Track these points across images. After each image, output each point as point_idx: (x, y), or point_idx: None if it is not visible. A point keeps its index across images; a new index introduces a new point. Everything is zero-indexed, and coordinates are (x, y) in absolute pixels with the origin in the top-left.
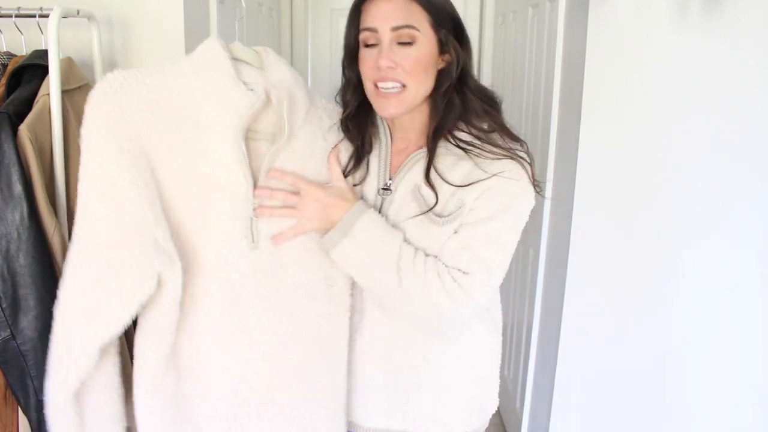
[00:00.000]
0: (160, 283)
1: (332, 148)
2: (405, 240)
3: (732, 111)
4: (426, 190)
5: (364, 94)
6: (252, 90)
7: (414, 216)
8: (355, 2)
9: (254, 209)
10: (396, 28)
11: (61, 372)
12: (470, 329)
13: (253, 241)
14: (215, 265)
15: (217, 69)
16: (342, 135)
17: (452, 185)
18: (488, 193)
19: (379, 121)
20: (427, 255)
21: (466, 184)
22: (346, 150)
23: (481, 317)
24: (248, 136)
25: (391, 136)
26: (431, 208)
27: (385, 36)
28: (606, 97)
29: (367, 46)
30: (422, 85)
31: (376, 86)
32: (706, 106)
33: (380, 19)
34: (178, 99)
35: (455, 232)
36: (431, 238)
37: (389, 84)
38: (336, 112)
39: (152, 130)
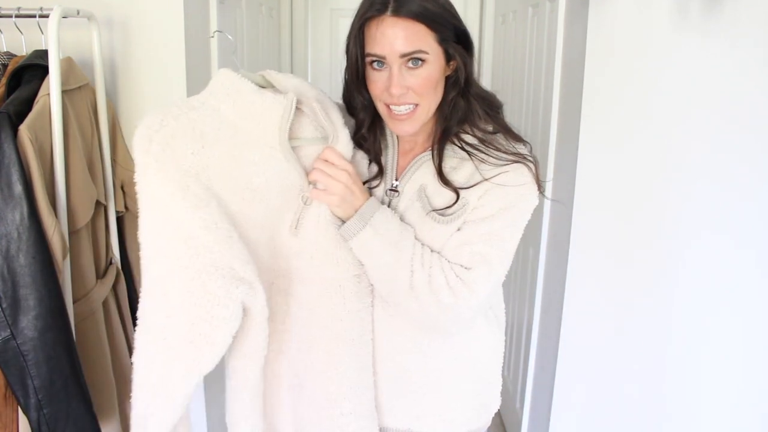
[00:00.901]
0: (245, 310)
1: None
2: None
3: (732, 110)
4: (430, 191)
5: (375, 111)
6: (279, 94)
7: (420, 215)
8: (358, 20)
9: (302, 196)
10: (405, 55)
11: (159, 415)
12: (474, 327)
13: (296, 228)
14: (267, 254)
15: (240, 90)
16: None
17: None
18: (491, 192)
19: (388, 137)
20: (432, 251)
21: (470, 185)
22: (363, 158)
23: (484, 315)
24: (291, 144)
25: (397, 138)
26: (452, 204)
27: (395, 63)
28: (606, 97)
29: (375, 69)
30: (434, 100)
31: (388, 107)
32: (705, 106)
33: (387, 45)
34: (219, 129)
35: (458, 230)
36: (434, 236)
37: (402, 108)
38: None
39: (206, 163)
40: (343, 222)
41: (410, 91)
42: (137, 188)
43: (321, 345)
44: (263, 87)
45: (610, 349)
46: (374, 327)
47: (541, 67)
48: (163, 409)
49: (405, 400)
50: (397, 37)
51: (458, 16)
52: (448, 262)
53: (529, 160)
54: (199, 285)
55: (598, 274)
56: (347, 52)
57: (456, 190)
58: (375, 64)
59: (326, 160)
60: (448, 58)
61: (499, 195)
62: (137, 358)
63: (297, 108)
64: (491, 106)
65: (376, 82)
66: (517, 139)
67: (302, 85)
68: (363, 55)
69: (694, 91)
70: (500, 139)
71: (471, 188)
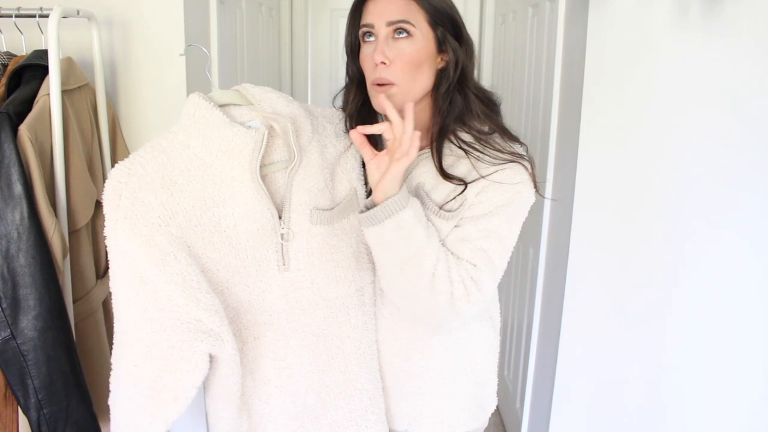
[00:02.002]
0: (214, 359)
1: (343, 150)
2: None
3: (732, 110)
4: (428, 188)
5: (366, 91)
6: (251, 127)
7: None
8: (356, 2)
9: (281, 234)
10: (391, 23)
11: None
12: (471, 327)
13: (284, 264)
14: (251, 297)
15: (210, 124)
16: (345, 138)
17: (459, 181)
18: (489, 189)
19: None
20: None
21: (469, 181)
22: (354, 158)
23: (480, 315)
24: (263, 172)
25: None
26: (453, 199)
27: (381, 31)
28: (606, 97)
29: (365, 42)
30: (414, 82)
31: (371, 82)
32: (705, 105)
33: (377, 15)
34: (188, 170)
35: (456, 227)
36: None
37: (382, 82)
38: (335, 116)
39: (175, 210)
40: (366, 210)
41: (391, 65)
42: (107, 241)
43: (335, 366)
44: (238, 104)
45: (610, 349)
46: (387, 340)
47: (541, 67)
48: None
49: (404, 402)
50: (388, 6)
51: (454, 7)
52: (457, 258)
53: (526, 160)
54: (164, 338)
55: (598, 274)
56: (346, 34)
57: (462, 180)
58: (365, 37)
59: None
60: (440, 48)
61: (497, 192)
62: (111, 401)
63: (269, 133)
64: (489, 105)
65: (366, 56)
66: (514, 139)
67: (278, 101)
68: (358, 32)
69: (694, 90)
70: (497, 138)
71: (469, 184)
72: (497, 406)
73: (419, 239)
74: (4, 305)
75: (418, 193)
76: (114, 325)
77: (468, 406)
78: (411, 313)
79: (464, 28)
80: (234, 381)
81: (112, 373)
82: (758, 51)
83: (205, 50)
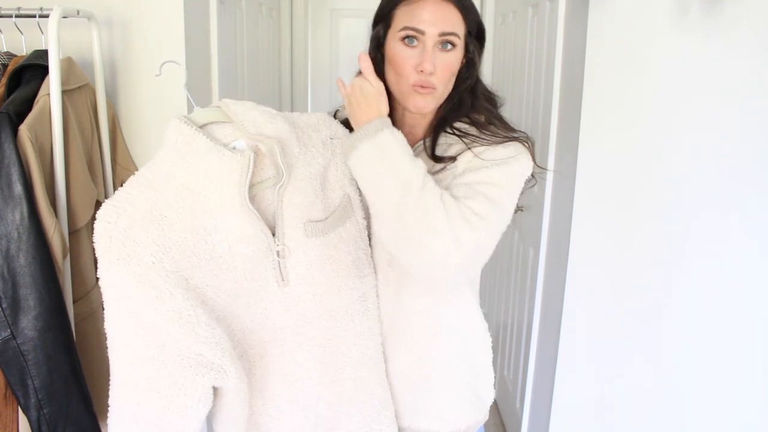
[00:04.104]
0: (218, 390)
1: (332, 157)
2: None
3: (732, 109)
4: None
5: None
6: (236, 149)
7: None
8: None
9: (276, 251)
10: (443, 34)
11: None
12: (466, 318)
13: (282, 280)
14: (254, 317)
15: (195, 151)
16: (332, 146)
17: (451, 158)
18: (484, 154)
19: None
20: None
21: (462, 152)
22: (344, 164)
23: (476, 305)
24: (252, 192)
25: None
26: (442, 169)
27: (430, 40)
28: (606, 97)
29: (407, 45)
30: (448, 88)
31: (412, 85)
32: (705, 105)
33: (430, 23)
34: (177, 202)
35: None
36: None
37: (428, 86)
38: (320, 122)
39: (168, 245)
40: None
41: (435, 73)
42: (101, 283)
43: (344, 375)
44: (223, 122)
45: (610, 349)
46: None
47: (541, 67)
48: None
49: (404, 398)
50: (441, 16)
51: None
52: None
53: (525, 139)
54: (165, 375)
55: (598, 274)
56: (374, 27)
57: (452, 157)
58: (407, 40)
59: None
60: (466, 51)
61: (490, 155)
62: None
63: (255, 153)
64: (491, 102)
65: (408, 58)
66: (514, 131)
67: (261, 118)
68: (388, 29)
69: (694, 90)
70: (495, 127)
71: (461, 154)
72: (497, 407)
73: (401, 161)
74: (4, 305)
75: None
76: (110, 367)
77: (468, 399)
78: (400, 245)
79: (485, 31)
80: (241, 408)
81: (110, 414)
82: (758, 50)
83: (179, 64)
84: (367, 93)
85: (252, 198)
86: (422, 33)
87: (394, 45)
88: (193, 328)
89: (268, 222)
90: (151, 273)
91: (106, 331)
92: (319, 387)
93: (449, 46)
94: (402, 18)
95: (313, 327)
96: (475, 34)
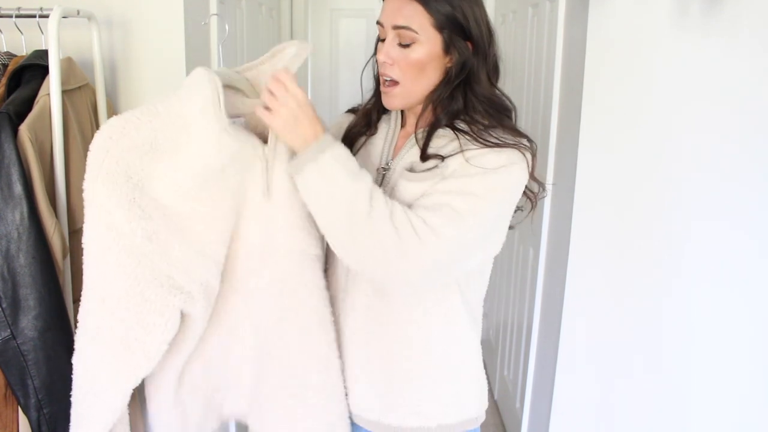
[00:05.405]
0: (184, 315)
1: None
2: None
3: (732, 109)
4: (416, 167)
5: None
6: (234, 123)
7: (400, 182)
8: None
9: (262, 156)
10: (396, 27)
11: (93, 419)
12: (448, 319)
13: (267, 190)
14: (237, 226)
15: (201, 92)
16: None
17: (438, 157)
18: (474, 160)
19: (390, 114)
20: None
21: (454, 153)
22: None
23: (468, 312)
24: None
25: (401, 121)
26: (432, 168)
27: (389, 33)
28: (606, 97)
29: (380, 39)
30: (417, 83)
31: (381, 77)
32: (705, 105)
33: (385, 16)
34: (176, 138)
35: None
36: (403, 194)
37: (386, 78)
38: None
39: (159, 176)
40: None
41: (396, 65)
42: (84, 194)
43: (291, 318)
44: (239, 90)
45: (610, 349)
46: (351, 311)
47: (541, 67)
48: (99, 408)
49: (378, 391)
50: (397, 9)
51: (473, 16)
52: (412, 208)
53: (524, 148)
54: (137, 292)
55: (598, 274)
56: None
57: (440, 156)
58: (380, 35)
59: (278, 80)
60: (447, 48)
61: (481, 161)
62: (76, 358)
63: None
64: (498, 109)
65: (378, 52)
66: (521, 136)
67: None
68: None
69: (694, 90)
70: (497, 131)
71: (454, 155)
72: (497, 407)
73: (344, 182)
74: (4, 305)
75: (405, 173)
76: (83, 281)
77: (444, 400)
78: (360, 264)
79: (477, 28)
80: (195, 340)
81: (78, 330)
82: (758, 50)
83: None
84: (292, 108)
85: (251, 122)
86: (382, 26)
87: None
88: (167, 251)
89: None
90: (136, 194)
91: (83, 245)
92: (270, 320)
93: (407, 41)
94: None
95: (281, 257)
96: (459, 31)
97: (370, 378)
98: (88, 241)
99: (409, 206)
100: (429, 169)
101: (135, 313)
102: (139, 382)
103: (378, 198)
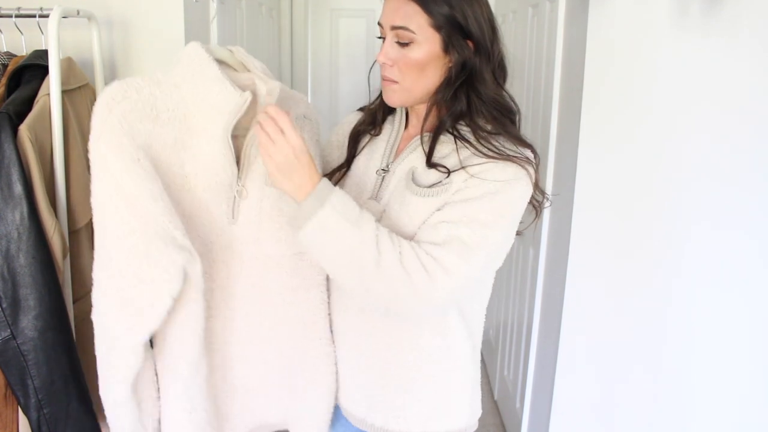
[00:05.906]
0: (185, 276)
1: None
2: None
3: (732, 109)
4: (419, 172)
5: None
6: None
7: (402, 192)
8: None
9: (237, 190)
10: (394, 28)
11: (113, 371)
12: (440, 329)
13: (233, 217)
14: (198, 246)
15: (204, 74)
16: (302, 123)
17: (443, 169)
18: (479, 177)
19: (396, 113)
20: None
21: (457, 169)
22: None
23: (454, 321)
24: (234, 133)
25: (405, 122)
26: (437, 183)
27: (388, 33)
28: (606, 97)
29: (382, 38)
30: (416, 82)
31: (382, 78)
32: (705, 105)
33: (384, 16)
34: (174, 110)
35: (438, 210)
36: (412, 211)
37: (386, 78)
38: (301, 99)
39: (153, 141)
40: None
41: (395, 66)
42: (90, 155)
43: (270, 317)
44: (229, 66)
45: (611, 349)
46: (343, 312)
47: (541, 67)
48: (116, 366)
49: (366, 391)
50: (395, 10)
51: (473, 14)
52: (419, 243)
53: (526, 161)
54: (142, 249)
55: (598, 274)
56: None
57: (445, 167)
58: (381, 35)
59: (274, 121)
60: (446, 48)
61: (486, 180)
62: (94, 315)
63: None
64: (502, 112)
65: (379, 52)
66: (525, 145)
67: (265, 70)
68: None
69: (694, 90)
70: (501, 139)
71: (457, 171)
72: (497, 407)
73: (347, 234)
74: (4, 305)
75: (407, 176)
76: (95, 240)
77: (431, 410)
78: (374, 305)
79: (477, 26)
80: (200, 305)
81: (93, 287)
82: (758, 50)
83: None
84: (288, 156)
85: (234, 137)
86: (381, 26)
87: None
88: (170, 212)
89: (238, 164)
90: (140, 154)
91: (92, 205)
92: (249, 326)
93: (405, 41)
94: None
95: (248, 267)
96: (458, 31)
97: (358, 376)
98: (95, 200)
99: (420, 227)
100: (434, 185)
101: (141, 270)
102: (148, 336)
103: (384, 241)
